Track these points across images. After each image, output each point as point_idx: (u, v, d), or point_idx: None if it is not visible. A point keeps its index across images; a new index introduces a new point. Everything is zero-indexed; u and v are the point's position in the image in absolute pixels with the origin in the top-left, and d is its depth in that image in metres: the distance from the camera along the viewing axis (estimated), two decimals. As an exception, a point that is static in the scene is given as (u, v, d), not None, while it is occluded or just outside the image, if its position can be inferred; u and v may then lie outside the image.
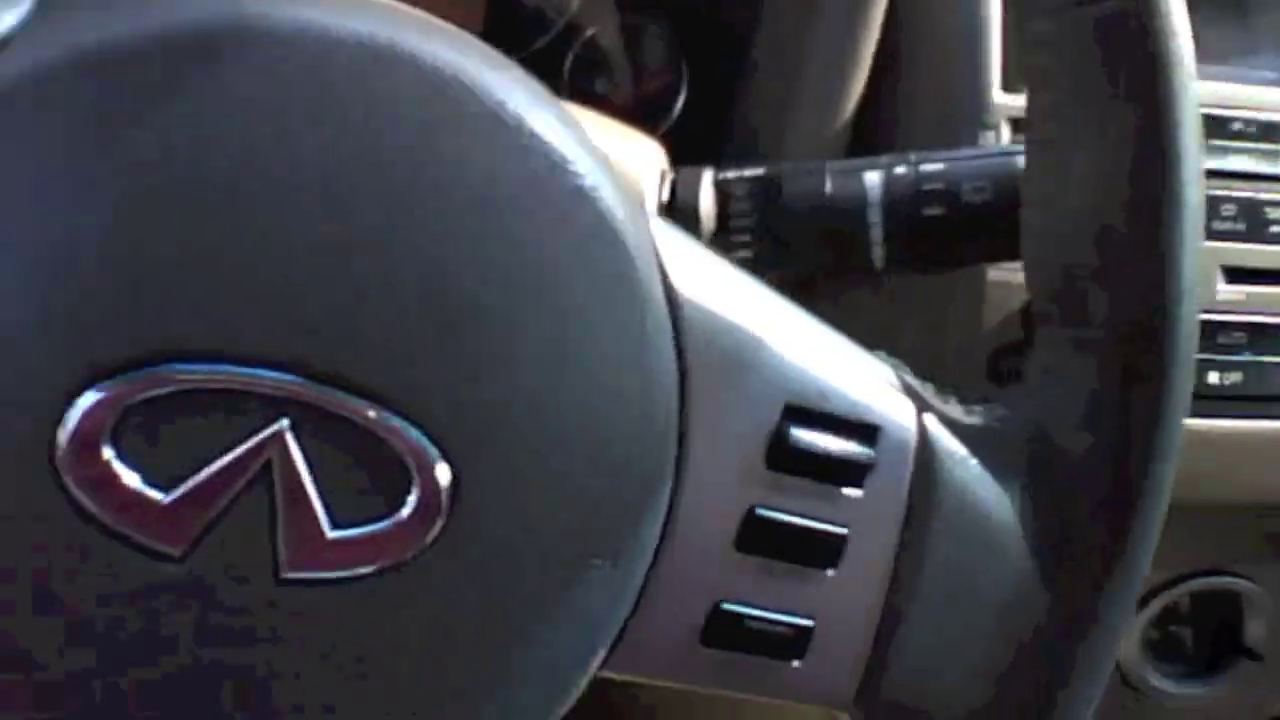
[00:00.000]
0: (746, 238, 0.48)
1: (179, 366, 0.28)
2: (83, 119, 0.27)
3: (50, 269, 0.27)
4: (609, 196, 0.31)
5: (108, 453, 0.27)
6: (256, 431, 0.28)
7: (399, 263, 0.29)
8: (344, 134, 0.28)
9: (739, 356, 0.33)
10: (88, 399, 0.27)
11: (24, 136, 0.27)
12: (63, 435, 0.27)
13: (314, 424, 0.29)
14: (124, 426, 0.27)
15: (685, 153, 0.51)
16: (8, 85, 0.27)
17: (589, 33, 0.68)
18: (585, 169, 0.30)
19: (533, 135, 0.30)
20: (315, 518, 0.29)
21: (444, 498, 0.29)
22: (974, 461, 0.35)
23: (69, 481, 0.27)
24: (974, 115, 0.58)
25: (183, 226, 0.27)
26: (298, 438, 0.28)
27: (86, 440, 0.27)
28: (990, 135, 0.59)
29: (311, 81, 0.28)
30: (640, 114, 0.67)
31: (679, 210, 0.47)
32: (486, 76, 0.30)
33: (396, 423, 0.29)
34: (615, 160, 0.33)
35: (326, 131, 0.28)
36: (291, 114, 0.28)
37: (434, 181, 0.29)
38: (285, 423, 0.28)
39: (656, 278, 0.32)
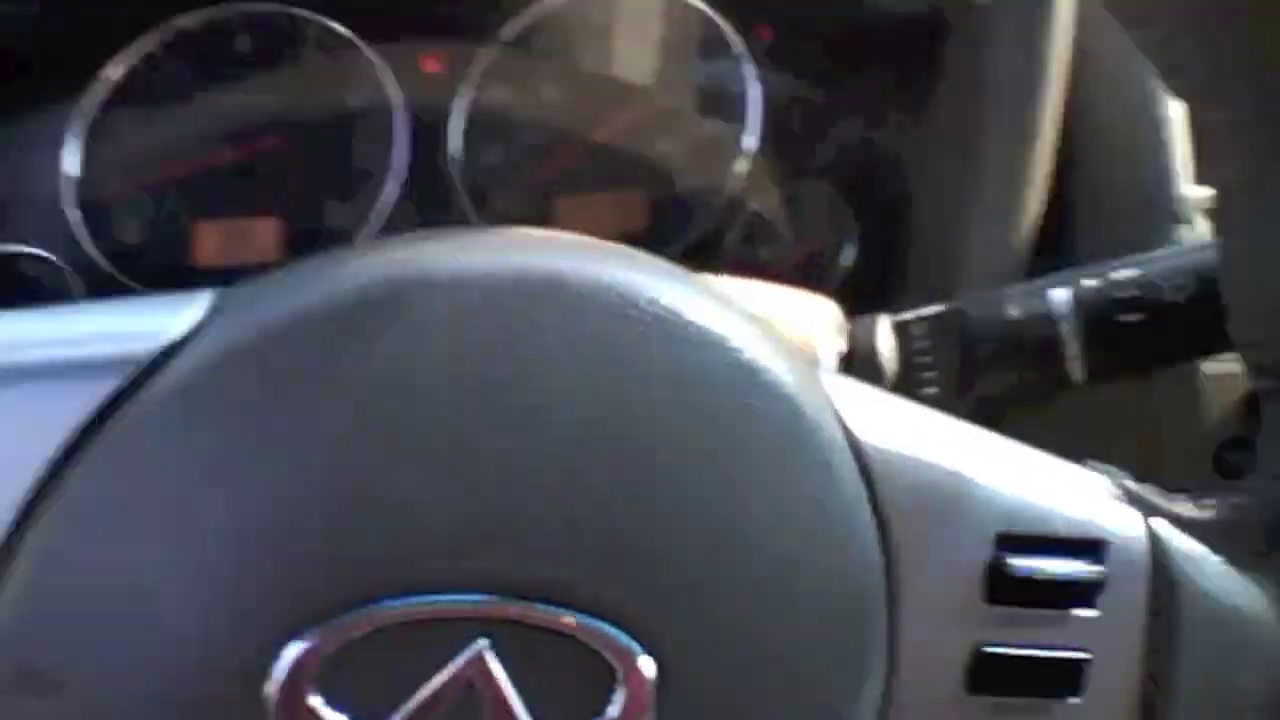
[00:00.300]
0: (932, 374, 0.47)
1: (381, 604, 0.28)
2: (276, 385, 0.29)
3: (251, 527, 0.28)
4: (776, 366, 0.30)
5: (314, 700, 0.28)
6: (458, 654, 0.28)
7: (593, 470, 0.29)
8: (529, 355, 0.29)
9: (938, 495, 0.31)
10: (294, 649, 0.28)
11: (220, 410, 0.28)
12: (271, 688, 0.28)
13: (514, 638, 0.28)
14: (328, 669, 0.28)
15: (857, 306, 0.50)
16: (199, 368, 0.29)
17: (751, 208, 0.69)
18: (748, 347, 0.30)
19: (715, 337, 0.30)
20: None
21: (651, 692, 0.28)
22: (1214, 557, 0.33)
23: None
24: (1165, 209, 0.56)
25: (377, 473, 0.28)
26: (499, 654, 0.28)
27: (294, 690, 0.28)
28: (1184, 229, 0.57)
29: (490, 318, 0.29)
30: (808, 274, 0.67)
31: (858, 360, 0.47)
32: (660, 286, 0.30)
33: (597, 625, 0.28)
34: (787, 321, 0.33)
35: (510, 358, 0.29)
36: (477, 348, 0.29)
37: (623, 388, 0.29)
38: (485, 642, 0.28)
39: (839, 436, 0.31)
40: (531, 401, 0.29)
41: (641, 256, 0.32)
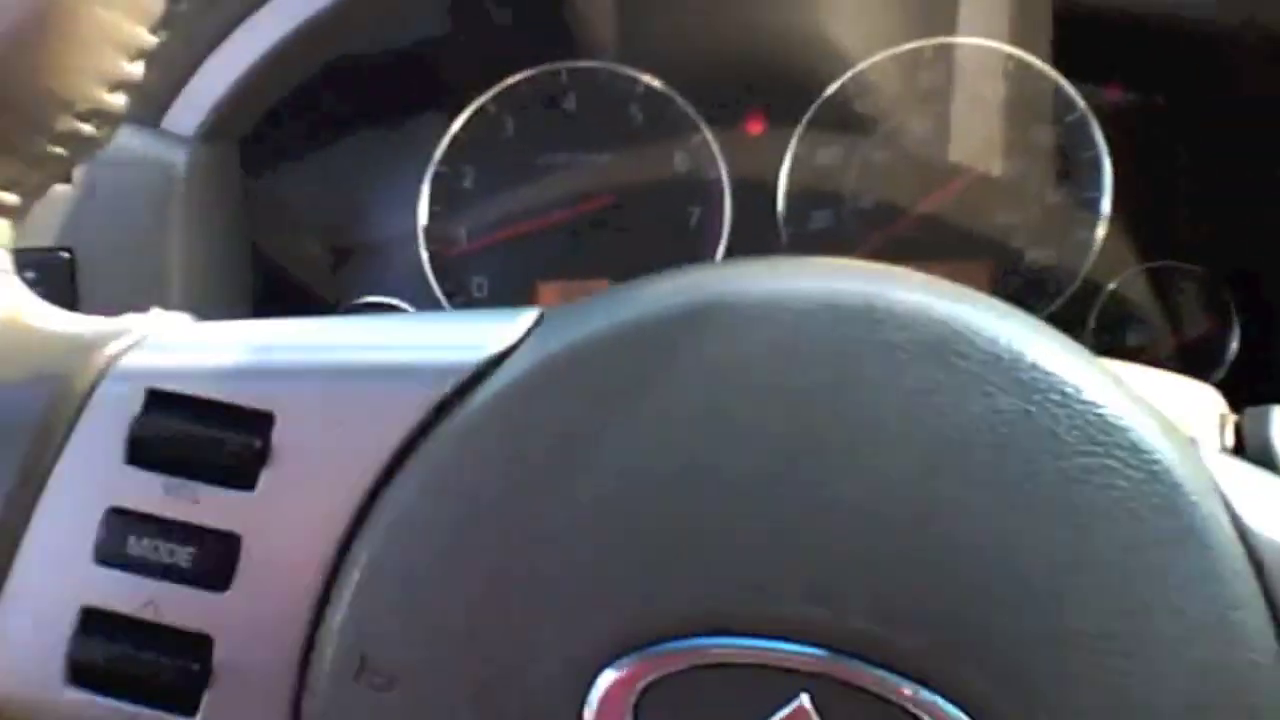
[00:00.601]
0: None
1: (700, 642, 0.26)
2: (596, 398, 0.27)
3: (571, 541, 0.27)
4: (1141, 426, 0.27)
5: None
6: (777, 707, 0.26)
7: (944, 529, 0.26)
8: (862, 394, 0.27)
9: None
10: (607, 677, 0.26)
11: (541, 421, 0.28)
12: (587, 711, 0.26)
13: (837, 699, 0.26)
14: (642, 706, 0.26)
15: (1244, 400, 0.45)
16: (520, 379, 0.28)
17: (1110, 287, 0.64)
18: (1106, 402, 0.27)
19: (1068, 386, 0.27)
20: None
21: None
22: None
23: None
24: None
25: (710, 495, 0.26)
26: (820, 713, 0.26)
27: (609, 715, 0.26)
28: None
29: (809, 343, 0.27)
30: (1186, 364, 0.61)
31: (1249, 452, 0.41)
32: (1003, 326, 0.28)
33: (935, 701, 0.25)
34: (1165, 406, 0.29)
35: (852, 395, 0.27)
36: (796, 375, 0.27)
37: (970, 444, 0.26)
38: (806, 699, 0.26)
39: (1227, 525, 0.27)
40: (864, 440, 0.26)
41: (985, 298, 0.29)
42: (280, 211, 0.65)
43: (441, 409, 0.28)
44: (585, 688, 0.26)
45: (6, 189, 0.32)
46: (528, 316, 0.30)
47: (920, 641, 0.26)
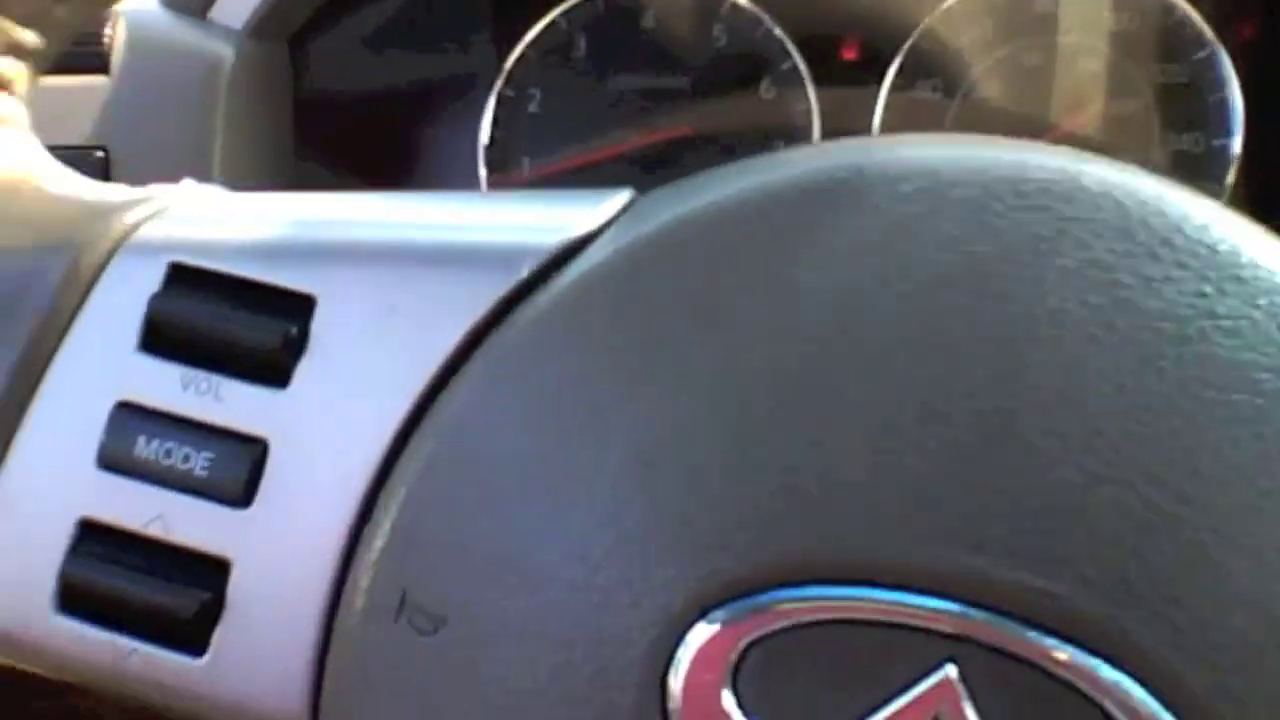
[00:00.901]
0: None
1: (813, 591, 0.21)
2: (691, 281, 0.23)
3: (657, 466, 0.22)
4: None
5: (728, 701, 0.21)
6: (915, 678, 0.21)
7: (1122, 460, 0.21)
8: (1051, 282, 0.22)
9: None
10: (701, 632, 0.21)
11: (628, 308, 0.23)
12: (675, 681, 0.21)
13: (986, 668, 0.21)
14: (744, 668, 0.21)
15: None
16: (607, 261, 0.24)
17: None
18: None
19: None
20: None
21: None
22: None
23: None
24: None
25: (846, 403, 0.21)
26: (968, 687, 0.21)
27: (702, 684, 0.21)
28: None
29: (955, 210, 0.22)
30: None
31: None
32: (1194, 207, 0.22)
33: (1119, 680, 0.20)
34: None
35: (1039, 283, 0.22)
36: (993, 259, 0.22)
37: (1181, 354, 0.21)
38: (951, 670, 0.21)
39: None
40: (1050, 341, 0.21)
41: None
42: (330, 119, 0.61)
43: (515, 298, 0.24)
44: (673, 644, 0.21)
45: (29, 23, 0.28)
46: (616, 198, 0.26)
47: (1088, 597, 0.20)
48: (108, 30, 0.51)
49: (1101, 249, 0.22)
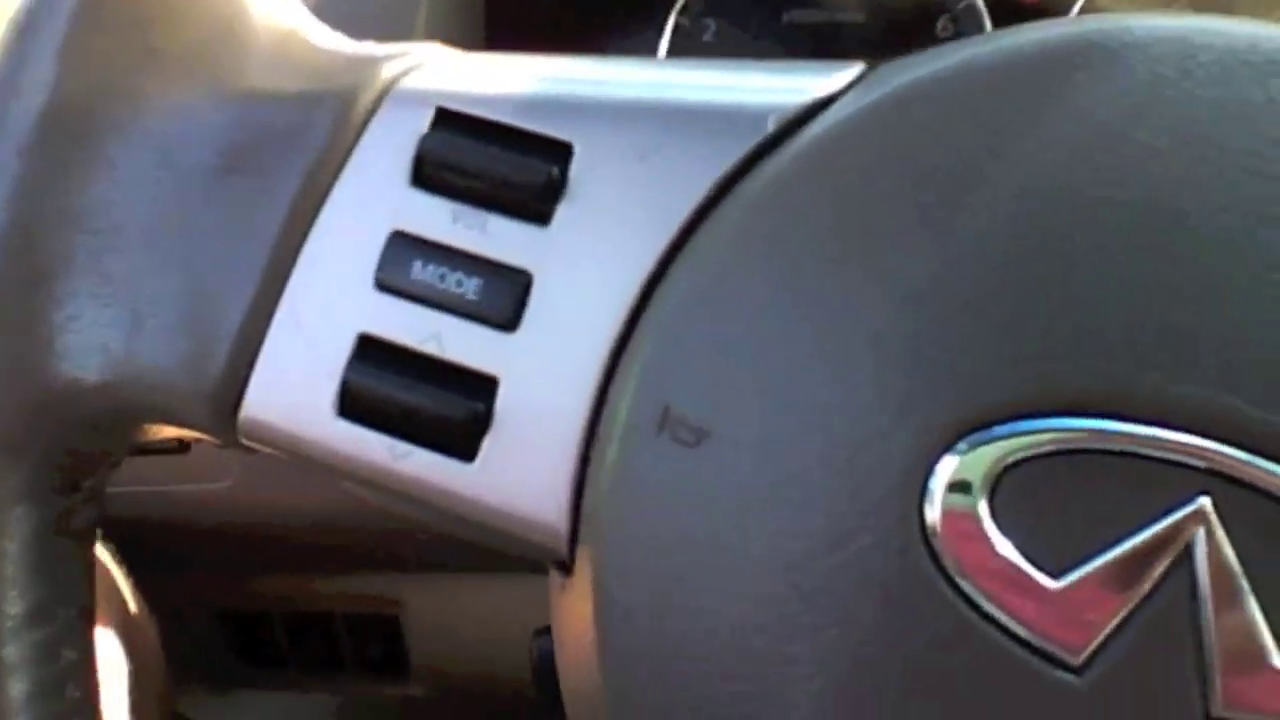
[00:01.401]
0: None
1: (1071, 423, 0.22)
2: (938, 137, 0.24)
3: (910, 291, 0.23)
4: None
5: (983, 511, 0.22)
6: (1170, 507, 0.21)
7: None
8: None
9: None
10: (963, 450, 0.22)
11: (870, 165, 0.24)
12: (935, 492, 0.22)
13: (1242, 510, 0.21)
14: (999, 491, 0.22)
15: None
16: (849, 119, 0.25)
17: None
18: None
19: None
20: (1256, 639, 0.21)
21: None
22: None
23: (944, 551, 0.22)
24: None
25: (1087, 243, 0.22)
26: (1221, 518, 0.21)
27: (961, 501, 0.22)
28: None
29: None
30: None
31: None
32: None
33: None
34: None
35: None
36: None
37: None
38: (1206, 501, 0.21)
39: None
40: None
41: None
42: (512, 31, 0.62)
43: (761, 152, 0.25)
44: (933, 460, 0.22)
45: None
46: (851, 68, 0.27)
47: None
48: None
49: None
